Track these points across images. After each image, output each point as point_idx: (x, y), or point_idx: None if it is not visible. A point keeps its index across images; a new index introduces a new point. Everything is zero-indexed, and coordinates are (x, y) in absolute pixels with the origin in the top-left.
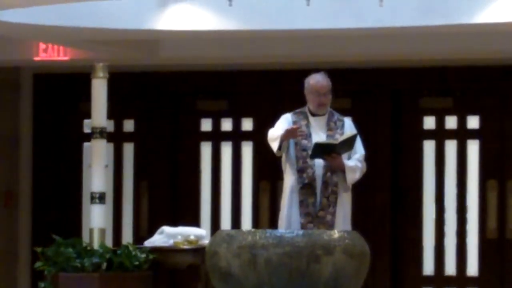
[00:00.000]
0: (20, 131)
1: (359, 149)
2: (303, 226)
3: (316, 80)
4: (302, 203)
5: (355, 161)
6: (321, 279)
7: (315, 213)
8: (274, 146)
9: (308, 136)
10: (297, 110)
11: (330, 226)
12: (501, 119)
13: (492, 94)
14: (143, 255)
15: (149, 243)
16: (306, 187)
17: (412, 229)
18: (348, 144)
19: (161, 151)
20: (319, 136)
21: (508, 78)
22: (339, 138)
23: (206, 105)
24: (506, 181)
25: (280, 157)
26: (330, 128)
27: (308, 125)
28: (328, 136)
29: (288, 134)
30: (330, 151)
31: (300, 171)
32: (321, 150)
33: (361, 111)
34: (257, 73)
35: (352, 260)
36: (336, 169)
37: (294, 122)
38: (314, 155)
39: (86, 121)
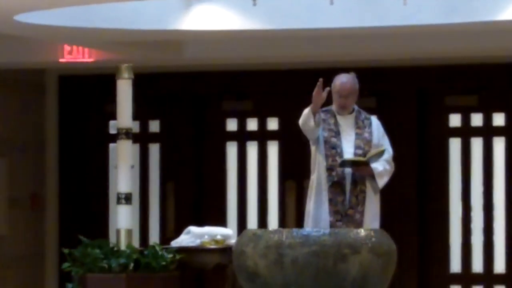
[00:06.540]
0: (46, 133)
1: (387, 149)
2: (332, 225)
3: (340, 81)
4: (331, 201)
5: (383, 163)
6: (348, 278)
7: (344, 211)
8: (310, 124)
9: (337, 134)
10: (325, 108)
11: (359, 224)
12: None
13: None
14: (170, 256)
15: (176, 243)
16: (335, 185)
17: (439, 227)
18: (376, 157)
19: (187, 151)
20: (348, 134)
21: None
22: (368, 154)
23: (231, 105)
24: None
25: (309, 154)
26: (359, 126)
27: (336, 123)
28: (357, 134)
29: (317, 99)
30: (358, 164)
31: (330, 169)
32: (349, 164)
33: (386, 110)
34: (282, 73)
35: (379, 258)
36: (365, 176)
37: (323, 120)
38: (342, 166)
39: (111, 122)
